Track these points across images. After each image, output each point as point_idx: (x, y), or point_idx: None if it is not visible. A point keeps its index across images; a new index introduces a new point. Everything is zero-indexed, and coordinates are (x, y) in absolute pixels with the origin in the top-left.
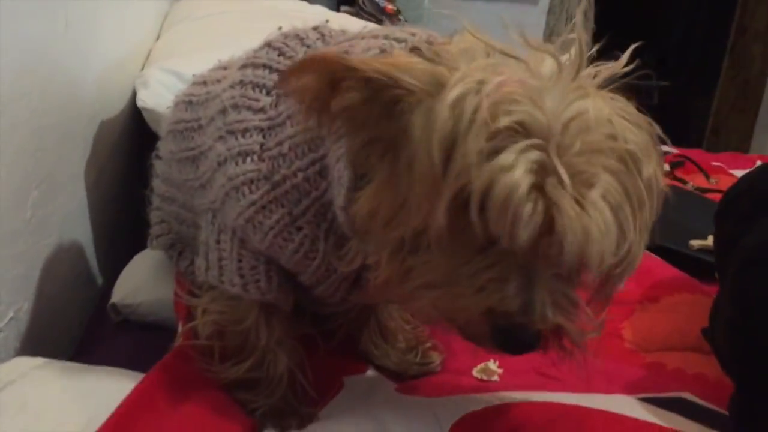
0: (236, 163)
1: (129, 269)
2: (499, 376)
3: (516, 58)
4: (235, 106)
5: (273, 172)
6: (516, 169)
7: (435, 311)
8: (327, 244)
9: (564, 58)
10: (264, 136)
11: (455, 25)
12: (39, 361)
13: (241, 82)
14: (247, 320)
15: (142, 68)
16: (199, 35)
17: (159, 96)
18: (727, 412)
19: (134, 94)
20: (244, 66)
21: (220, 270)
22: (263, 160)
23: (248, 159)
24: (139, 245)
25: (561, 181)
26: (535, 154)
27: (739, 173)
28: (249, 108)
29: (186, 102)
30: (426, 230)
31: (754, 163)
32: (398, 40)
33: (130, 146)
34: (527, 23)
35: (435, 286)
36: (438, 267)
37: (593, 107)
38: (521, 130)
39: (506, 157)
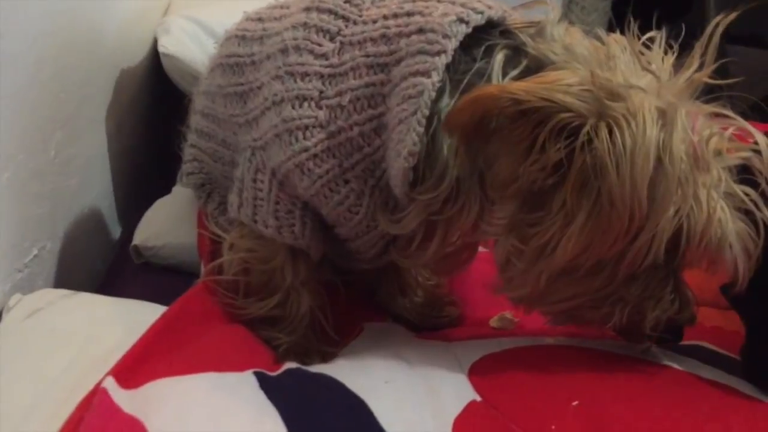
0: (293, 106)
1: (151, 212)
2: (515, 325)
3: (647, 70)
4: (297, 48)
5: (329, 122)
6: (728, 219)
7: (619, 320)
8: (372, 200)
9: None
10: (323, 83)
11: None
12: (65, 291)
13: (305, 24)
14: (275, 260)
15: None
16: None
17: (180, 43)
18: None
19: (155, 45)
20: (308, 9)
21: (254, 209)
22: (321, 108)
23: (305, 104)
24: (159, 191)
25: (742, 218)
26: (724, 191)
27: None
28: (311, 52)
29: (239, 37)
30: (612, 256)
31: None
32: (475, 11)
33: (150, 96)
34: None
35: (610, 300)
36: (607, 284)
37: (718, 128)
38: (710, 164)
39: (720, 207)
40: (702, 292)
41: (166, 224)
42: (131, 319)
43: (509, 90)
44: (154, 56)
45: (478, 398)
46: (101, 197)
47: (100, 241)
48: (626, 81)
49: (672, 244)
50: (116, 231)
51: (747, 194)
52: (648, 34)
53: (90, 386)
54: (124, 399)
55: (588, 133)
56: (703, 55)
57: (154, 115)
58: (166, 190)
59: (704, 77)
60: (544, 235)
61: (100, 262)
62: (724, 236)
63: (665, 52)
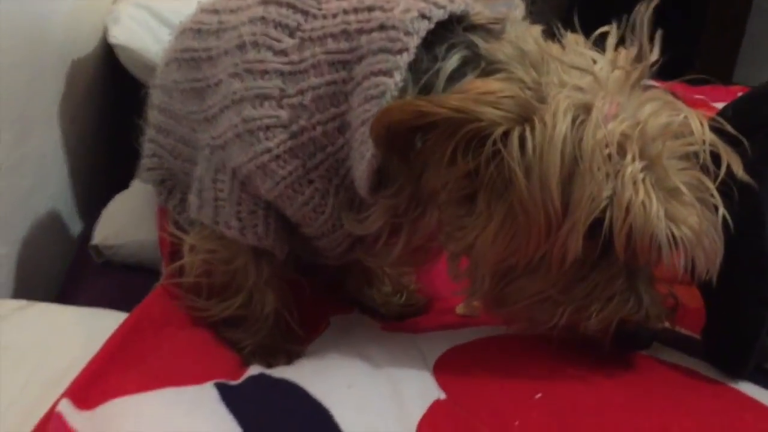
0: (253, 106)
1: (110, 210)
2: (482, 311)
3: (582, 69)
4: (255, 44)
5: (292, 122)
6: (652, 203)
7: (558, 322)
8: (337, 199)
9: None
10: (284, 81)
11: None
12: (20, 303)
13: (263, 18)
14: (237, 260)
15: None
16: None
17: (131, 32)
18: None
19: (105, 33)
20: (265, 2)
21: (215, 210)
22: (282, 107)
23: (266, 103)
24: (118, 186)
25: (684, 203)
26: (653, 177)
27: (721, 105)
28: (270, 48)
29: (194, 30)
30: (544, 256)
31: (735, 95)
32: (437, 6)
33: (105, 87)
34: None
35: (552, 301)
36: (552, 285)
37: (667, 116)
38: (630, 152)
39: (643, 193)
40: (665, 269)
41: (127, 221)
42: (90, 330)
43: (415, 103)
44: (107, 46)
45: (443, 395)
46: (58, 195)
47: (60, 241)
48: (561, 81)
49: (608, 239)
50: (76, 229)
51: (701, 182)
52: (600, 29)
53: (47, 406)
54: (81, 421)
55: (495, 142)
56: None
57: (109, 107)
58: (125, 184)
59: (644, 67)
60: (468, 238)
61: (61, 262)
62: (648, 222)
63: (618, 46)
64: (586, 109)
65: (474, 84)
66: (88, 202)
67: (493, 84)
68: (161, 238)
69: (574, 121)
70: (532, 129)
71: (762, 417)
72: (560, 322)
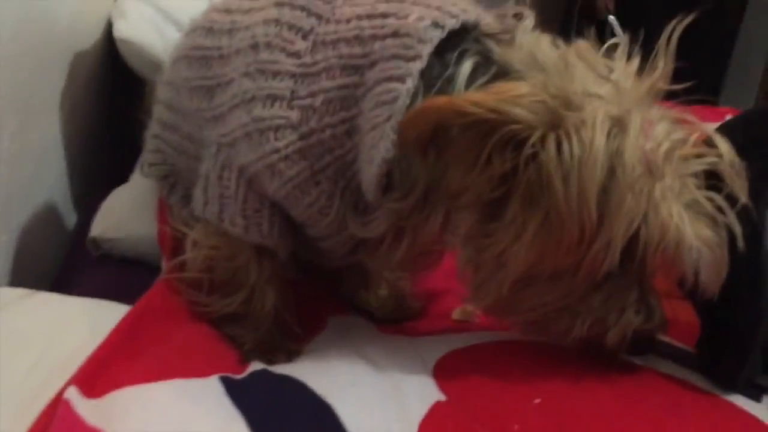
0: (264, 106)
1: (109, 203)
2: (478, 317)
3: (605, 78)
4: (269, 45)
5: (301, 123)
6: (685, 224)
7: (578, 334)
8: (342, 201)
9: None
10: (295, 83)
11: None
12: (23, 291)
13: (276, 20)
14: (240, 257)
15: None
16: None
17: (136, 27)
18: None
19: (109, 27)
20: (280, 4)
21: (220, 207)
22: (292, 108)
23: (277, 104)
24: (116, 179)
25: (702, 220)
26: (678, 194)
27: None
28: (283, 50)
29: (206, 28)
30: (569, 266)
31: (724, 117)
32: (450, 15)
33: (106, 80)
34: None
35: (566, 310)
36: (569, 293)
37: (683, 134)
38: (658, 168)
39: (676, 212)
40: (657, 283)
41: (125, 215)
42: (93, 319)
43: (455, 103)
44: (109, 39)
45: (443, 398)
46: (56, 186)
47: (57, 232)
48: (584, 89)
49: (629, 252)
50: (74, 220)
51: (712, 199)
52: (612, 40)
53: (53, 393)
54: (88, 409)
55: (534, 145)
56: (663, 60)
57: (109, 100)
58: (122, 179)
59: (663, 83)
60: (497, 246)
61: (57, 253)
62: (682, 242)
63: (628, 58)
64: (619, 122)
65: (504, 86)
66: (87, 194)
67: (523, 87)
68: (162, 232)
69: (608, 133)
70: (567, 136)
71: (754, 429)
72: (580, 335)
